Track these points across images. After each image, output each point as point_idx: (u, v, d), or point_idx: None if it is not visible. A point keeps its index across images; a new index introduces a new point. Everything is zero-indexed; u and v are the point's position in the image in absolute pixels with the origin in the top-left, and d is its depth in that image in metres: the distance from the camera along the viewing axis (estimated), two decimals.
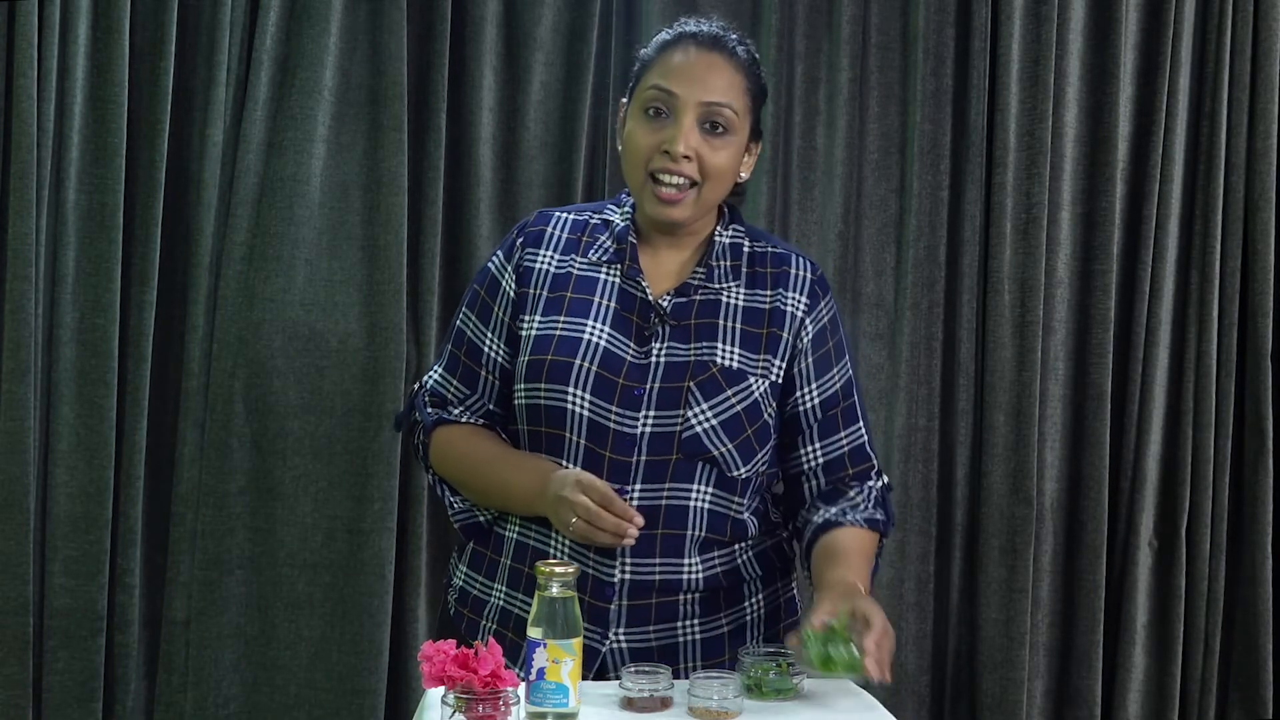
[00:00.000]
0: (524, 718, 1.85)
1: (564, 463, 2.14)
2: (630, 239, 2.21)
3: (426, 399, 2.29)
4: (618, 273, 2.20)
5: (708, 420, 2.12)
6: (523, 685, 1.85)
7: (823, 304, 2.23)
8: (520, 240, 2.24)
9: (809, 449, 2.23)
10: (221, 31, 3.23)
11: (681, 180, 2.14)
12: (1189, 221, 3.60)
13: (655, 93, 2.15)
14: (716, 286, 2.20)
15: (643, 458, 2.12)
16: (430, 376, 2.30)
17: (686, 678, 2.00)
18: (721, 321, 2.17)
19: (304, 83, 3.27)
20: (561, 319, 2.17)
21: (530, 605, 1.98)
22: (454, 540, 2.38)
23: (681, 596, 2.17)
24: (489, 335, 2.23)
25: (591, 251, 2.22)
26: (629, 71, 2.28)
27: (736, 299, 2.19)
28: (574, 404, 2.12)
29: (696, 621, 2.18)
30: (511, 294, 2.22)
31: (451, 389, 2.27)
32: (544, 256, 2.22)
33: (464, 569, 2.30)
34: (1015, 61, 3.48)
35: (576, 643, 1.88)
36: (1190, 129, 3.58)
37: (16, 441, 3.14)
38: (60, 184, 3.18)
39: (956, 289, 3.53)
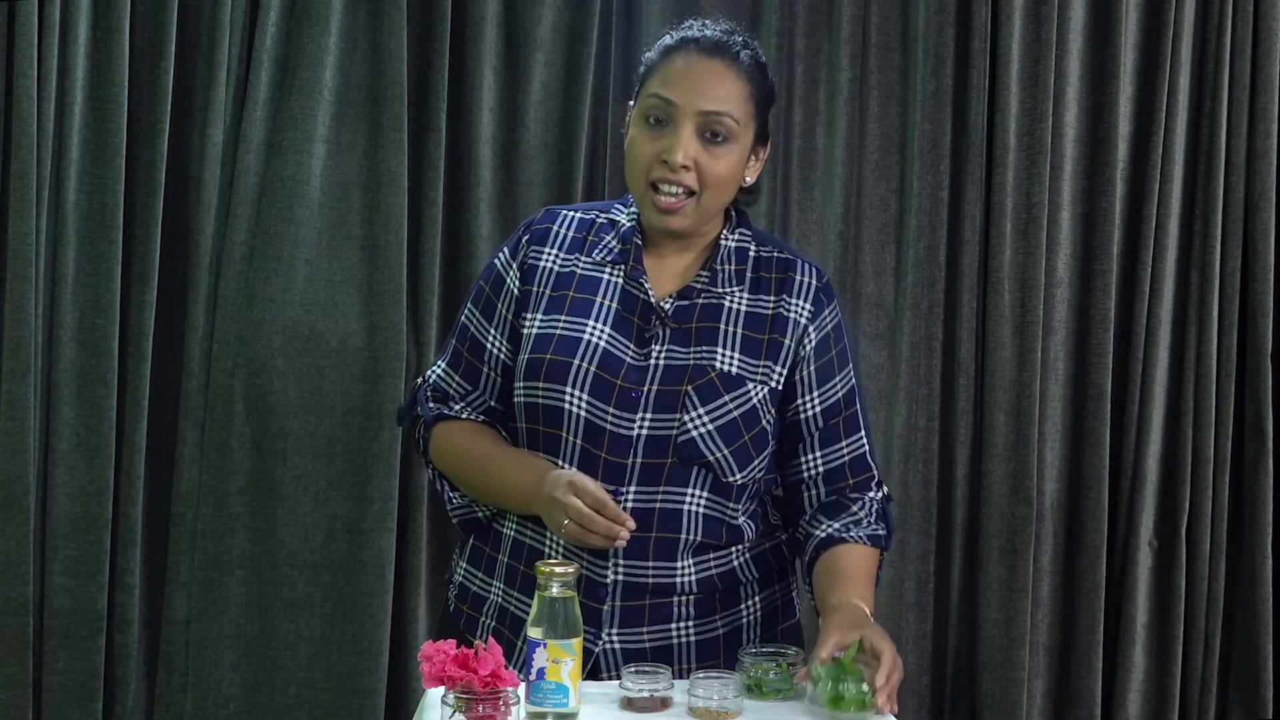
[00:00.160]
0: (524, 718, 1.85)
1: (561, 463, 2.14)
2: (635, 240, 2.20)
3: (429, 394, 2.29)
4: (621, 273, 2.19)
5: (704, 425, 2.11)
6: (523, 685, 1.85)
7: (827, 311, 2.21)
8: (526, 238, 2.24)
9: (809, 457, 2.22)
10: (221, 31, 3.23)
11: (680, 190, 2.13)
12: (1189, 221, 3.60)
13: (655, 101, 2.14)
14: (720, 291, 2.19)
15: (638, 460, 2.12)
16: (433, 371, 2.31)
17: (683, 679, 2.00)
18: (723, 326, 2.16)
19: (304, 83, 3.27)
20: (563, 318, 2.17)
21: (526, 604, 1.99)
22: (454, 540, 2.38)
23: (675, 599, 2.16)
24: (492, 332, 2.23)
25: (596, 251, 2.21)
26: (629, 71, 2.28)
27: (739, 304, 2.18)
28: (571, 404, 2.12)
29: (691, 624, 2.18)
30: (515, 291, 2.22)
31: (454, 384, 2.27)
32: (549, 255, 2.22)
33: (464, 565, 2.30)
34: (1015, 61, 3.48)
35: (576, 643, 1.88)
36: (1190, 129, 3.58)
37: (16, 441, 3.14)
38: (60, 184, 3.18)
39: (956, 289, 3.53)
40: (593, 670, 2.13)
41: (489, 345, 2.23)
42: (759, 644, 2.18)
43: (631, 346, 2.15)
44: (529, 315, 2.19)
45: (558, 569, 1.90)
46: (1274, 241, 3.57)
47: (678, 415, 2.11)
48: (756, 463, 2.16)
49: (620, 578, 2.13)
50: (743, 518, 2.19)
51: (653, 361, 2.14)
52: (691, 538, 2.15)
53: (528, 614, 1.94)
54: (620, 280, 2.19)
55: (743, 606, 2.22)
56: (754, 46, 2.20)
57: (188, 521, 3.28)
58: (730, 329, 2.16)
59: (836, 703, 1.90)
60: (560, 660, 1.87)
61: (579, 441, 2.13)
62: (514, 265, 2.23)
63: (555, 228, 2.24)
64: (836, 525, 2.19)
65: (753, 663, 2.03)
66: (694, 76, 2.13)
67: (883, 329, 3.54)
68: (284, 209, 3.28)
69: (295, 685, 3.33)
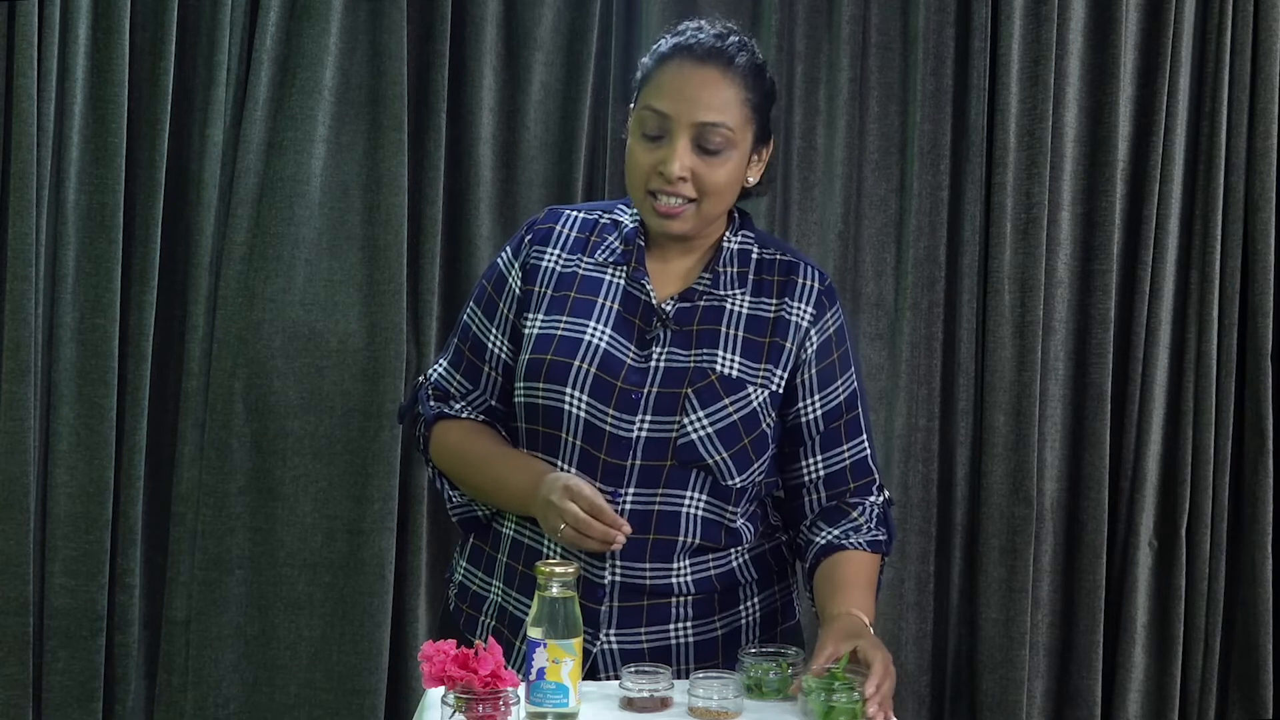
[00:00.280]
0: (524, 718, 1.85)
1: (560, 463, 2.14)
2: (639, 241, 2.20)
3: (430, 392, 2.29)
4: (623, 274, 2.19)
5: (703, 428, 2.11)
6: (523, 685, 1.85)
7: (829, 315, 2.20)
8: (529, 238, 2.23)
9: (810, 461, 2.21)
10: (221, 31, 3.23)
11: (679, 199, 2.13)
12: (1189, 221, 3.60)
13: (649, 114, 2.12)
14: (721, 293, 2.18)
15: (637, 462, 2.11)
16: (435, 370, 2.30)
17: (683, 679, 2.00)
18: (724, 329, 2.16)
19: (304, 83, 3.27)
20: (564, 319, 2.16)
21: (526, 604, 1.99)
22: (454, 540, 2.38)
23: (673, 599, 2.16)
24: (493, 331, 2.23)
25: (599, 252, 2.21)
26: (629, 72, 2.27)
27: (741, 306, 2.18)
28: (571, 405, 2.12)
29: (689, 624, 2.18)
30: (517, 291, 2.21)
31: (455, 383, 2.27)
32: (551, 255, 2.21)
33: (464, 564, 2.30)
34: (1015, 61, 3.48)
35: (576, 643, 1.88)
36: (1190, 129, 3.58)
37: (16, 441, 3.15)
38: (60, 184, 3.18)
39: (956, 289, 3.53)
40: (590, 670, 2.13)
41: (490, 344, 2.23)
42: (758, 644, 2.18)
43: (632, 348, 2.15)
44: (530, 315, 2.19)
45: (557, 569, 1.90)
46: (1274, 241, 3.57)
47: (677, 418, 2.11)
48: (756, 466, 2.15)
49: (617, 579, 2.13)
50: (741, 520, 2.19)
51: (653, 363, 2.13)
52: (689, 540, 2.14)
53: (527, 614, 1.94)
54: (622, 281, 2.18)
55: (742, 607, 2.22)
56: (750, 47, 2.17)
57: (188, 521, 3.28)
58: (731, 332, 2.16)
59: (828, 714, 1.90)
60: (560, 660, 1.87)
61: (578, 442, 2.12)
62: (516, 265, 2.22)
63: (558, 227, 2.23)
64: (836, 532, 2.18)
65: (752, 663, 2.03)
66: (687, 87, 2.11)
67: (883, 329, 3.54)
68: (284, 209, 3.28)
69: (295, 685, 3.33)
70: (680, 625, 2.17)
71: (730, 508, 2.16)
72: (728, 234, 2.22)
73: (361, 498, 3.32)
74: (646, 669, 1.99)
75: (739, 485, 2.15)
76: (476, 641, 1.84)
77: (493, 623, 2.22)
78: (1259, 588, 3.58)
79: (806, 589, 2.22)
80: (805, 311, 2.18)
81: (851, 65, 3.49)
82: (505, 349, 2.22)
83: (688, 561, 2.16)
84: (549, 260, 2.21)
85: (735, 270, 2.20)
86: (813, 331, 2.18)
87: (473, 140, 3.38)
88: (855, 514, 2.20)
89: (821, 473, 2.21)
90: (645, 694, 1.96)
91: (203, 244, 3.26)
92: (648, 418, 2.11)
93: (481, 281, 2.28)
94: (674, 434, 2.11)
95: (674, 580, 2.15)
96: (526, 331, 2.19)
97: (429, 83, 3.34)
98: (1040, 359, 3.51)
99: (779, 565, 2.28)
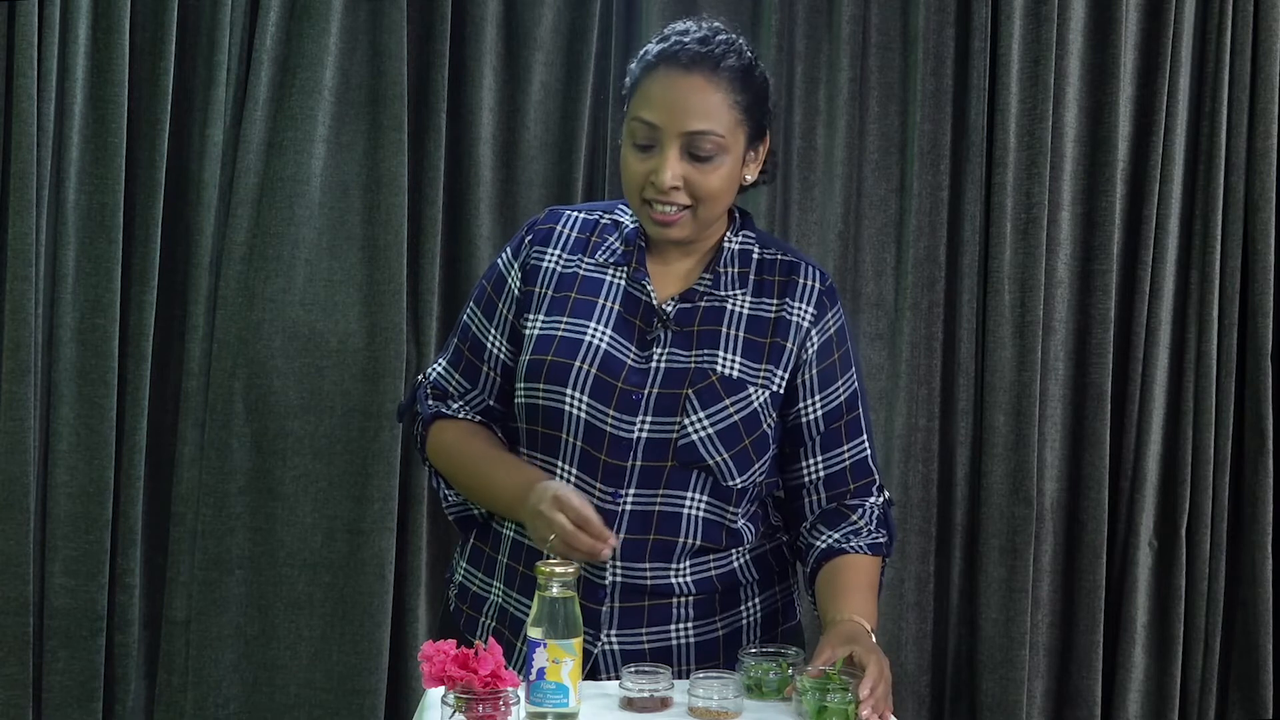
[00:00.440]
0: (524, 718, 1.85)
1: (561, 464, 2.14)
2: (639, 242, 2.19)
3: (429, 391, 2.29)
4: (624, 275, 2.18)
5: (704, 429, 2.11)
6: (523, 685, 1.85)
7: (830, 315, 2.19)
8: (529, 238, 2.23)
9: (810, 461, 2.21)
10: (221, 31, 3.23)
11: (673, 207, 2.12)
12: (1189, 221, 3.60)
13: (638, 125, 2.11)
14: (722, 294, 2.18)
15: (638, 463, 2.11)
16: (434, 369, 2.30)
17: (683, 679, 2.00)
18: (725, 329, 2.15)
19: (304, 83, 3.27)
20: (564, 320, 2.16)
21: (526, 605, 1.99)
22: (454, 540, 2.38)
23: (674, 600, 2.16)
24: (492, 331, 2.23)
25: (599, 252, 2.21)
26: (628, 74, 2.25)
27: (741, 307, 2.17)
28: (571, 406, 2.12)
29: (690, 625, 2.18)
30: (517, 292, 2.21)
31: (453, 382, 2.27)
32: (551, 255, 2.21)
33: (464, 565, 2.30)
34: (1015, 61, 3.48)
35: (576, 643, 1.88)
36: (1190, 129, 3.58)
37: (16, 441, 3.15)
38: (60, 184, 3.18)
39: (956, 289, 3.53)
40: (592, 671, 2.13)
41: (489, 345, 2.23)
42: (759, 645, 2.18)
43: (633, 349, 2.15)
44: (531, 316, 2.19)
45: (558, 569, 1.90)
46: (1274, 241, 3.58)
47: (678, 418, 2.11)
48: (757, 467, 2.15)
49: (618, 579, 2.13)
50: (742, 521, 2.19)
51: (654, 364, 2.13)
52: (690, 541, 2.14)
53: (527, 615, 1.94)
54: (623, 282, 2.18)
55: (743, 608, 2.22)
56: (738, 47, 2.14)
57: (188, 521, 3.28)
58: (732, 332, 2.16)
59: (820, 714, 1.90)
60: (560, 660, 1.87)
61: (579, 443, 2.12)
62: (516, 265, 2.22)
63: (559, 228, 2.23)
64: (836, 536, 2.18)
65: (752, 663, 2.03)
66: (674, 97, 2.09)
67: (883, 329, 3.54)
68: (284, 209, 3.28)
69: (295, 685, 3.33)
70: (681, 626, 2.17)
71: (731, 508, 2.16)
72: (728, 234, 2.21)
73: (361, 498, 3.32)
74: (646, 669, 1.99)
75: (740, 486, 2.15)
76: (476, 642, 1.84)
77: (493, 623, 2.22)
78: (1259, 588, 3.58)
79: (808, 593, 2.22)
80: (806, 312, 2.18)
81: (851, 65, 3.49)
82: (504, 349, 2.22)
83: (688, 562, 2.16)
84: (549, 261, 2.21)
85: (736, 271, 2.19)
86: (813, 332, 2.18)
87: (473, 140, 3.38)
88: (855, 516, 2.20)
89: (822, 473, 2.21)
90: (645, 694, 1.96)
91: (203, 244, 3.26)
92: (648, 418, 2.11)
93: (481, 282, 2.28)
94: (675, 435, 2.11)
95: (675, 581, 2.15)
96: (527, 332, 2.19)
97: (429, 83, 3.34)
98: (1040, 359, 3.51)
99: (780, 566, 2.28)
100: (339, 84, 3.32)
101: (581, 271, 2.20)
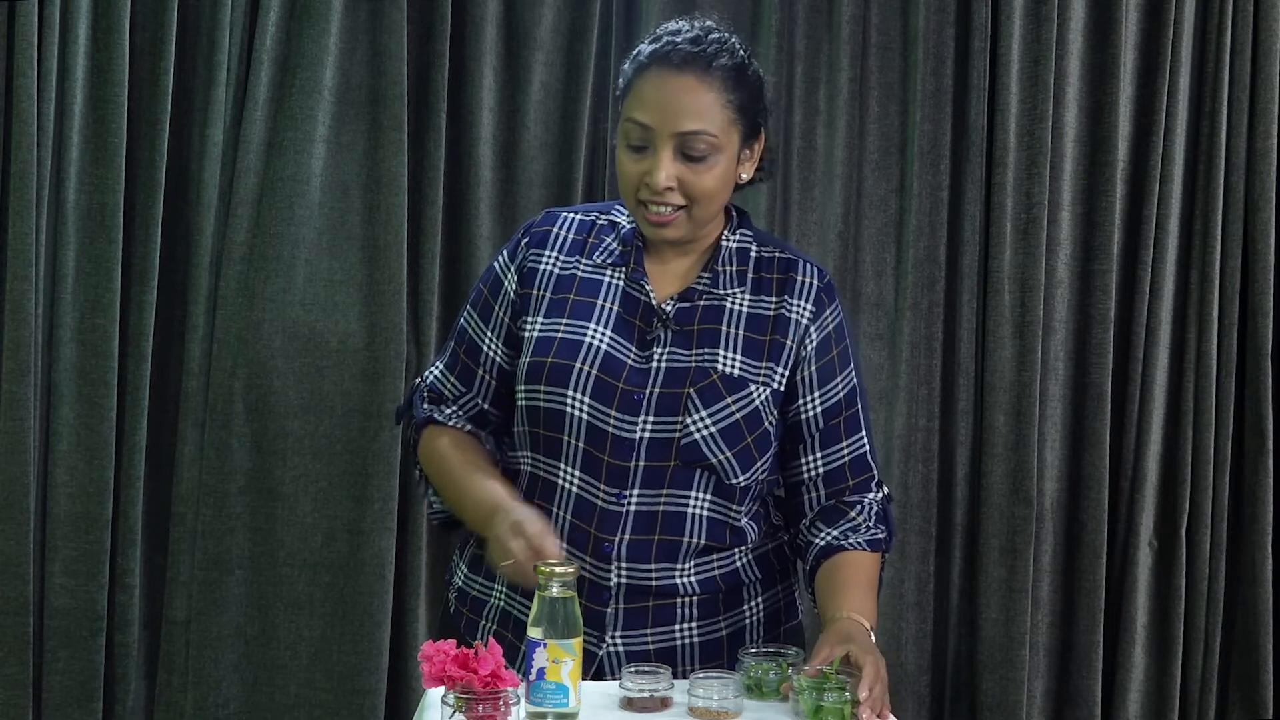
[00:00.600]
0: (524, 718, 1.85)
1: (564, 466, 2.13)
2: (636, 242, 2.19)
3: (425, 394, 2.29)
4: (622, 275, 2.18)
5: (706, 428, 2.11)
6: (523, 685, 1.85)
7: (828, 312, 2.19)
8: (525, 240, 2.23)
9: (810, 458, 2.21)
10: (221, 31, 3.23)
11: (668, 207, 2.12)
12: (1189, 221, 3.60)
13: (631, 126, 2.11)
14: (721, 292, 2.18)
15: (641, 463, 2.11)
16: (431, 371, 2.30)
17: (683, 679, 2.00)
18: (725, 328, 2.15)
19: (304, 83, 3.27)
20: (564, 321, 2.16)
21: (528, 607, 1.98)
22: (454, 540, 2.38)
23: (679, 600, 2.16)
24: (488, 335, 2.23)
25: (597, 253, 2.20)
26: None
27: (741, 305, 2.17)
28: (573, 407, 2.12)
29: (694, 625, 2.18)
30: (513, 295, 2.21)
31: (449, 386, 2.27)
32: (549, 257, 2.21)
33: (464, 569, 2.30)
34: (1015, 61, 3.48)
35: (576, 643, 1.88)
36: (1190, 129, 3.58)
37: (16, 441, 3.15)
38: (60, 184, 3.18)
39: (956, 289, 3.53)
40: (597, 673, 2.13)
41: (485, 348, 2.23)
42: (760, 645, 2.18)
43: (633, 349, 2.14)
44: (529, 319, 2.19)
45: (558, 569, 1.90)
46: (1274, 241, 3.58)
47: (680, 418, 2.11)
48: (759, 464, 2.15)
49: (623, 580, 2.13)
50: (746, 519, 2.19)
51: (654, 364, 2.13)
52: (695, 540, 2.14)
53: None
54: (621, 283, 2.18)
55: (746, 607, 2.22)
56: (730, 46, 2.13)
57: (188, 521, 3.28)
58: (732, 330, 2.16)
59: (817, 714, 1.90)
60: (560, 660, 1.87)
61: (581, 445, 2.12)
62: (512, 268, 2.22)
63: (555, 230, 2.23)
64: (835, 533, 2.18)
65: (753, 663, 2.03)
66: (666, 97, 2.09)
67: (883, 329, 3.54)
68: (284, 209, 3.28)
69: (295, 685, 3.33)
70: (686, 626, 2.17)
71: (735, 507, 2.16)
72: (726, 233, 2.21)
73: (361, 498, 3.32)
74: (646, 669, 1.99)
75: (743, 484, 2.15)
76: (476, 642, 1.84)
77: (494, 626, 2.22)
78: (1259, 588, 3.58)
79: (808, 590, 2.22)
80: (805, 308, 2.18)
81: (851, 65, 3.49)
82: (500, 353, 2.22)
83: (693, 562, 2.16)
84: (546, 263, 2.20)
85: (734, 269, 2.19)
86: (812, 328, 2.18)
87: (473, 140, 3.38)
88: (854, 513, 2.20)
89: (821, 470, 2.21)
90: (645, 694, 1.96)
91: (203, 244, 3.26)
92: (650, 418, 2.11)
93: (478, 285, 2.28)
94: (677, 434, 2.11)
95: (679, 581, 2.15)
96: (526, 335, 2.18)
97: (429, 83, 3.34)
98: (1040, 359, 3.51)
99: (781, 565, 2.28)
100: (339, 84, 3.32)
101: (579, 273, 2.20)
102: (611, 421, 2.11)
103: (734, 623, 2.21)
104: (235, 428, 3.29)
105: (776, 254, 2.21)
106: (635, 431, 2.11)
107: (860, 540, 2.17)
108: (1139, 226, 3.56)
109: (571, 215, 2.25)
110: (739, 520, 2.17)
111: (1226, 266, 3.58)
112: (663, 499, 2.12)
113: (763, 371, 2.15)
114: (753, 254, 2.21)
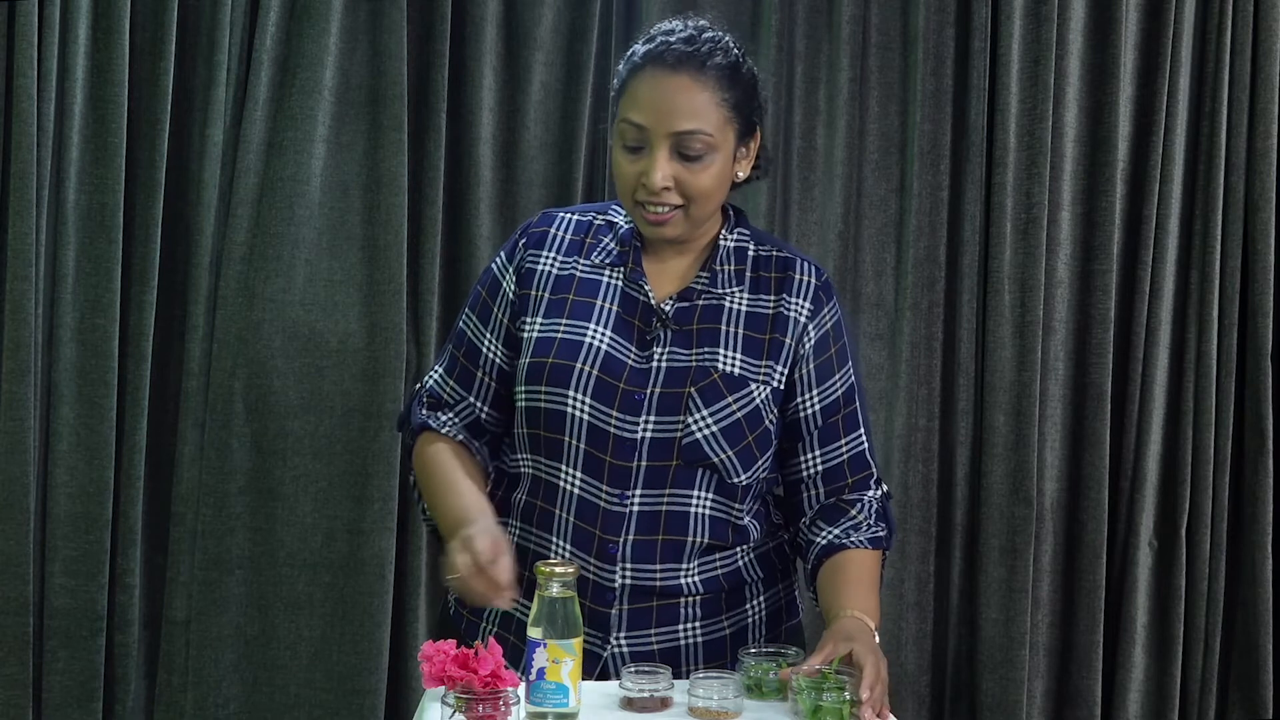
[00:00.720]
0: (524, 718, 1.85)
1: (565, 467, 2.13)
2: (635, 242, 2.19)
3: (424, 399, 2.29)
4: (620, 275, 2.18)
5: (708, 427, 2.11)
6: (523, 685, 1.85)
7: (826, 310, 2.20)
8: (523, 241, 2.23)
9: (809, 456, 2.21)
10: (221, 31, 3.23)
11: (665, 207, 2.12)
12: (1189, 221, 3.60)
13: (626, 126, 2.11)
14: (720, 291, 2.18)
15: (643, 463, 2.11)
16: (430, 376, 2.30)
17: (683, 680, 2.00)
18: (724, 327, 2.16)
19: (304, 83, 3.27)
20: (563, 322, 2.16)
21: (529, 608, 1.98)
22: None
23: (682, 600, 2.16)
24: (488, 336, 2.23)
25: (595, 253, 2.20)
26: None
27: (740, 304, 2.18)
28: (574, 408, 2.12)
29: (698, 624, 2.18)
30: (511, 296, 2.21)
31: (448, 390, 2.26)
32: (547, 258, 2.21)
33: None
34: (1015, 61, 3.48)
35: (577, 643, 1.88)
36: (1190, 129, 3.58)
37: (16, 441, 3.15)
38: (60, 184, 3.18)
39: (956, 289, 3.53)
40: (602, 674, 2.13)
41: (484, 350, 2.23)
42: (761, 644, 2.18)
43: (633, 349, 2.14)
44: (528, 320, 2.19)
45: (558, 569, 1.90)
46: (1274, 241, 3.58)
47: (681, 417, 2.11)
48: (761, 462, 2.15)
49: (628, 581, 2.13)
50: (748, 518, 2.19)
51: (655, 364, 2.13)
52: (698, 540, 2.14)
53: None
54: (620, 283, 2.18)
55: (748, 606, 2.22)
56: (724, 45, 2.13)
57: (188, 521, 3.28)
58: (731, 329, 2.16)
59: (816, 713, 1.90)
60: (560, 660, 1.87)
61: (583, 445, 2.12)
62: (510, 269, 2.22)
63: (553, 230, 2.23)
64: (836, 531, 2.18)
65: (753, 663, 2.03)
66: (661, 97, 2.09)
67: (883, 329, 3.54)
68: (284, 209, 3.28)
69: (295, 685, 3.33)
70: (689, 625, 2.17)
71: (737, 505, 2.16)
72: (723, 232, 2.21)
73: (361, 498, 3.32)
74: (646, 669, 1.99)
75: (744, 482, 2.15)
76: (476, 642, 1.84)
77: (494, 628, 2.22)
78: (1259, 588, 3.58)
79: (809, 589, 2.22)
80: (803, 307, 2.18)
81: (851, 65, 3.49)
82: (499, 354, 2.22)
83: (696, 562, 2.16)
84: (545, 263, 2.20)
85: (733, 268, 2.19)
86: (810, 326, 2.18)
87: (473, 140, 3.38)
88: (854, 511, 2.20)
89: (820, 468, 2.21)
90: (645, 694, 1.96)
91: (203, 244, 3.26)
92: (651, 418, 2.11)
93: (476, 287, 2.28)
94: (679, 434, 2.11)
95: (683, 581, 2.15)
96: (525, 335, 2.18)
97: (429, 83, 3.34)
98: (1040, 359, 3.51)
99: (782, 564, 2.28)
100: (339, 84, 3.32)
101: (578, 273, 2.20)
102: (613, 422, 2.11)
103: (737, 622, 2.21)
104: (235, 428, 3.29)
105: (774, 252, 2.22)
106: (637, 431, 2.11)
107: (861, 538, 2.17)
108: (1139, 226, 3.56)
109: (569, 216, 2.25)
110: (741, 519, 2.18)
111: (1226, 266, 3.58)
112: (665, 499, 2.12)
113: (763, 370, 2.15)
114: (750, 253, 2.21)
